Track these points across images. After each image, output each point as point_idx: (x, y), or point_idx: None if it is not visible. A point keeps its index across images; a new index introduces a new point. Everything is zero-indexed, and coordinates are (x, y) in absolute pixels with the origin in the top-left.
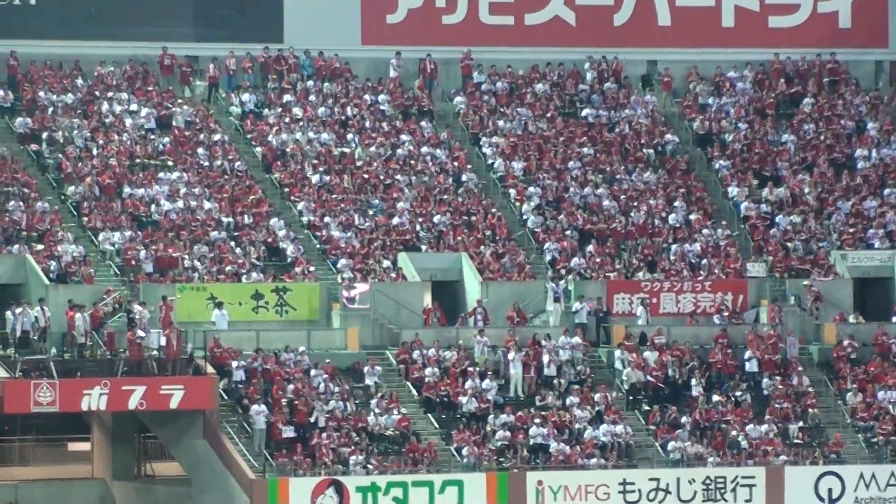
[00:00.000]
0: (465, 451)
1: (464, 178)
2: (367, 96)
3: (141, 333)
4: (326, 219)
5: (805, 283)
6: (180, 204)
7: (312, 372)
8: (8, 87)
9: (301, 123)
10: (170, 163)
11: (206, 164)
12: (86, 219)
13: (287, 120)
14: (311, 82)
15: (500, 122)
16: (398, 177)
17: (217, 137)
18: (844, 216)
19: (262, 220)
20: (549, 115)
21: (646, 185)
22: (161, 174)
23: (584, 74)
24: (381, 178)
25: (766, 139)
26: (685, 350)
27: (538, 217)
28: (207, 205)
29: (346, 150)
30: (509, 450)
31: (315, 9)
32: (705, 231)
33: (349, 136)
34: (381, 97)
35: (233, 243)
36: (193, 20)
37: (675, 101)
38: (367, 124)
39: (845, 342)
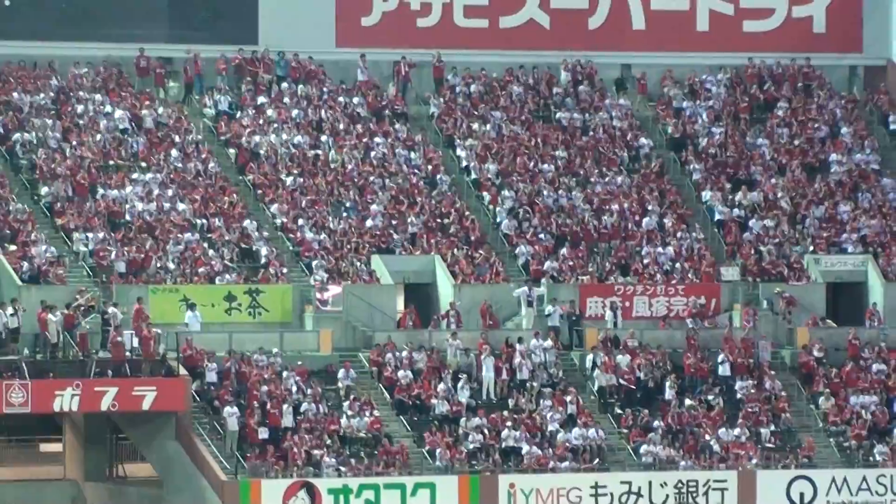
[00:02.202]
0: (437, 454)
1: (438, 179)
2: (341, 98)
3: (121, 335)
4: (300, 221)
5: (777, 289)
6: (153, 205)
7: (284, 374)
8: None
9: (275, 125)
10: (143, 164)
11: (180, 165)
12: (59, 220)
13: (261, 122)
14: (285, 84)
15: (475, 126)
16: (372, 178)
17: (191, 139)
18: (818, 221)
19: (235, 221)
20: (523, 118)
21: (619, 188)
22: (134, 175)
23: (559, 77)
24: (355, 180)
25: (740, 143)
26: (658, 353)
27: (511, 220)
28: (181, 206)
29: (320, 152)
30: (481, 453)
31: (290, 11)
32: (679, 234)
33: (323, 138)
34: (356, 99)
35: (206, 245)
36: (168, 21)
37: (650, 105)
38: (341, 126)
39: (815, 346)
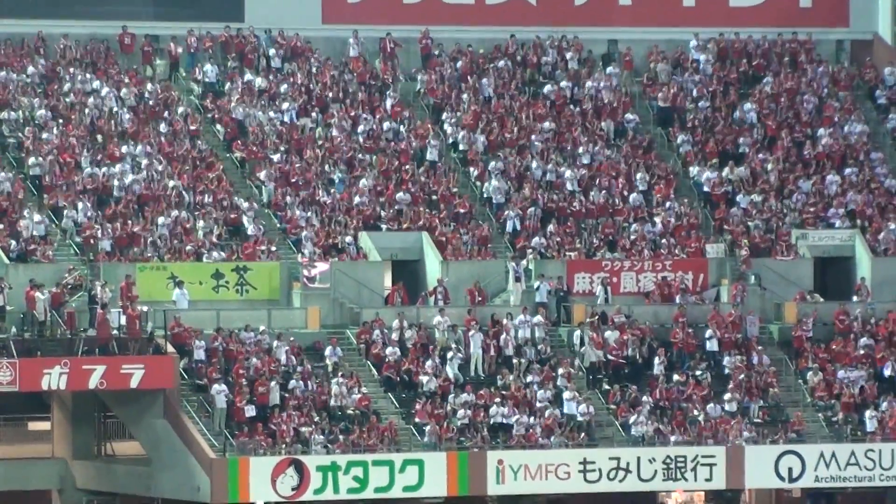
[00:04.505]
0: (427, 429)
1: (426, 154)
2: (330, 72)
3: (108, 313)
4: (288, 198)
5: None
6: (142, 182)
7: (276, 343)
8: None
9: (262, 102)
10: (130, 141)
11: (167, 141)
12: (46, 194)
13: (248, 98)
14: (273, 61)
15: (464, 96)
16: (360, 155)
17: (179, 115)
18: (805, 195)
19: (225, 198)
20: (510, 93)
21: (607, 161)
22: (122, 151)
23: (545, 51)
24: (343, 155)
25: (727, 115)
26: (645, 329)
27: (502, 182)
28: (169, 182)
29: (308, 127)
30: (470, 429)
31: None
32: (666, 210)
33: (312, 114)
34: (346, 76)
35: (193, 222)
36: None
37: (636, 80)
38: (329, 102)
39: (806, 321)
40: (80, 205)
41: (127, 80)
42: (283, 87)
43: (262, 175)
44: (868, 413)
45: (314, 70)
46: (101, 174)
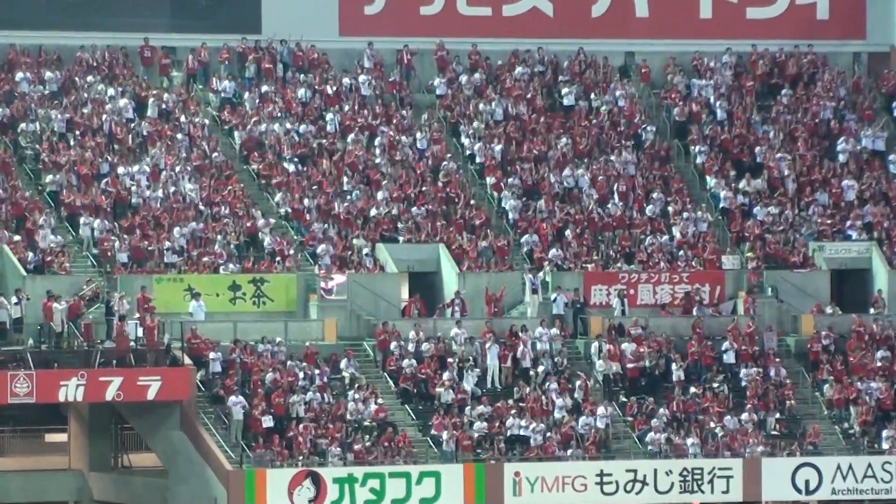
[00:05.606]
0: (444, 436)
1: (442, 166)
2: (346, 80)
3: (126, 324)
4: (304, 211)
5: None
6: (159, 193)
7: (289, 363)
8: None
9: (279, 114)
10: (147, 152)
11: (185, 154)
12: (63, 205)
13: (265, 111)
14: (289, 73)
15: (481, 105)
16: (377, 166)
17: (195, 128)
18: (822, 207)
19: (242, 210)
20: (528, 95)
21: (624, 173)
22: (138, 164)
23: (562, 64)
24: (360, 167)
25: (744, 122)
26: (662, 341)
27: (518, 200)
28: (186, 194)
29: (324, 140)
30: (486, 441)
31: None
32: (684, 214)
33: (329, 127)
34: (364, 88)
35: (210, 234)
36: (171, 10)
37: (654, 93)
38: (346, 113)
39: (823, 333)
40: (97, 215)
41: (146, 93)
42: (300, 100)
43: (278, 188)
44: (885, 433)
45: (331, 82)
46: (118, 186)
